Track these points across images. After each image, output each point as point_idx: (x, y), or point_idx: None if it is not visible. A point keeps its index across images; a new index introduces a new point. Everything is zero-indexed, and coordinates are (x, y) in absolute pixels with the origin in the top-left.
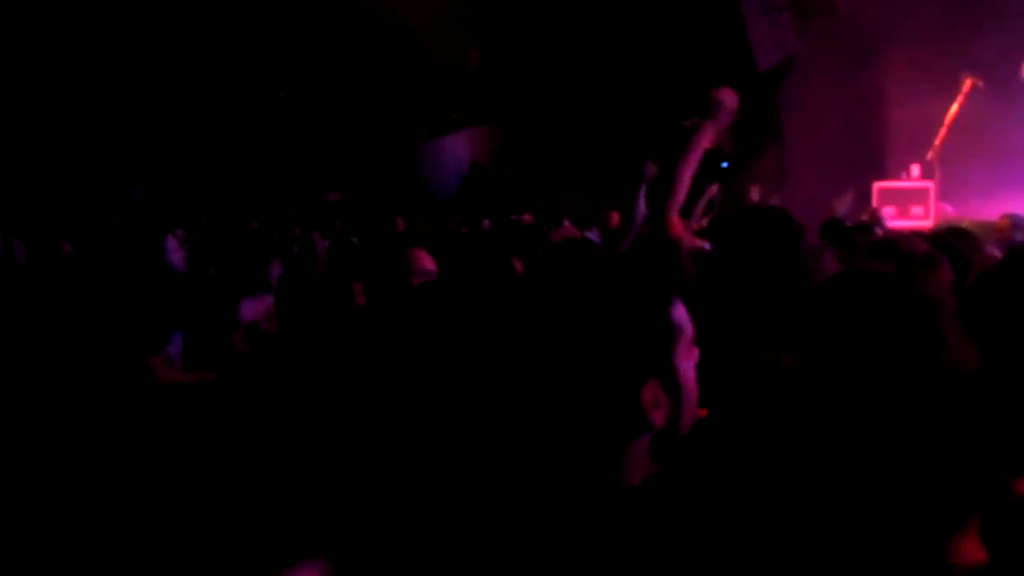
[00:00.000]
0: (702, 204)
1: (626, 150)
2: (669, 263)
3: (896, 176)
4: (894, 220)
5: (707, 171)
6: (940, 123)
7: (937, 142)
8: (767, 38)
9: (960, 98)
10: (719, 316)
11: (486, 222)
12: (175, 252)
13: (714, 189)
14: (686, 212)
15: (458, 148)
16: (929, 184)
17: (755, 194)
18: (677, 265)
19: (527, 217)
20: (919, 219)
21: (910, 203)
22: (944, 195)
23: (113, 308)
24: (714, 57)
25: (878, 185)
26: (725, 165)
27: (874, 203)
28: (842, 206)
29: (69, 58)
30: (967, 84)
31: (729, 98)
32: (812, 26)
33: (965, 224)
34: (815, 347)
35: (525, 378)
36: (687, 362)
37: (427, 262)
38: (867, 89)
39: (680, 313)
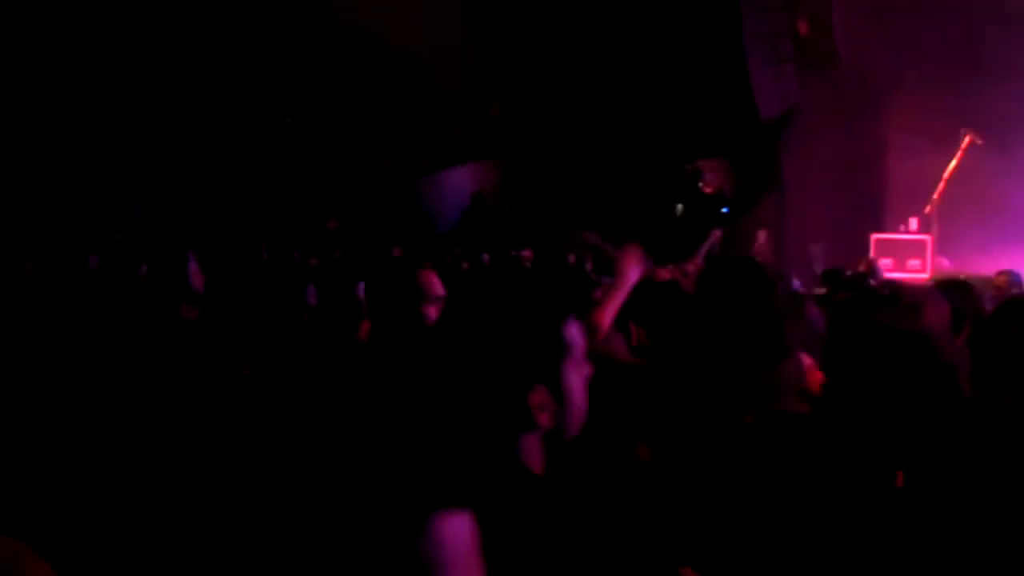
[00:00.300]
0: (704, 248)
1: (627, 191)
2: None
3: (894, 228)
4: (891, 272)
5: (709, 216)
6: (939, 177)
7: (935, 196)
8: (770, 88)
9: (959, 153)
10: (701, 367)
11: (485, 256)
12: (196, 275)
13: (716, 234)
14: (685, 255)
15: (460, 181)
16: (927, 237)
17: (761, 237)
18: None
19: (526, 253)
20: (916, 272)
21: (907, 256)
22: (941, 249)
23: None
24: (718, 105)
25: (876, 237)
26: (726, 210)
27: (871, 255)
28: (814, 259)
29: (71, 71)
30: (966, 140)
31: (633, 265)
32: (814, 78)
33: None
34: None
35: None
36: (576, 374)
37: (438, 287)
38: (867, 141)
39: (573, 331)
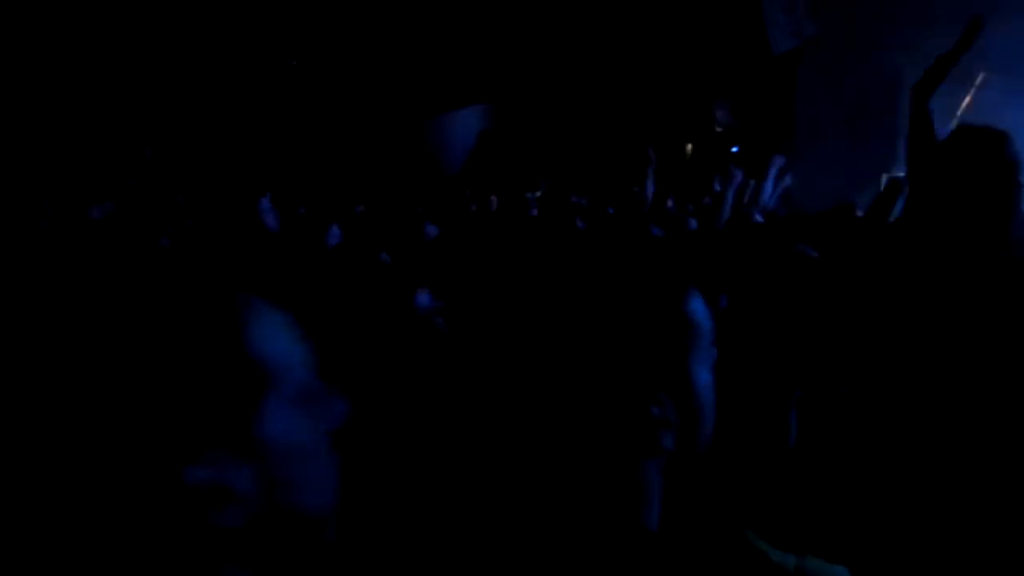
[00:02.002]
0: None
1: (639, 130)
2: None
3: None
4: None
5: (719, 154)
6: (952, 115)
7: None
8: (783, 22)
9: (972, 90)
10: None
11: (494, 199)
12: (268, 212)
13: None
14: (695, 194)
15: (467, 122)
16: None
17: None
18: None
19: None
20: None
21: None
22: None
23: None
24: (729, 41)
25: (889, 176)
26: (735, 149)
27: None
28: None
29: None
30: (980, 77)
31: None
32: (827, 11)
33: None
34: None
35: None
36: (704, 369)
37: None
38: (881, 77)
39: (696, 308)
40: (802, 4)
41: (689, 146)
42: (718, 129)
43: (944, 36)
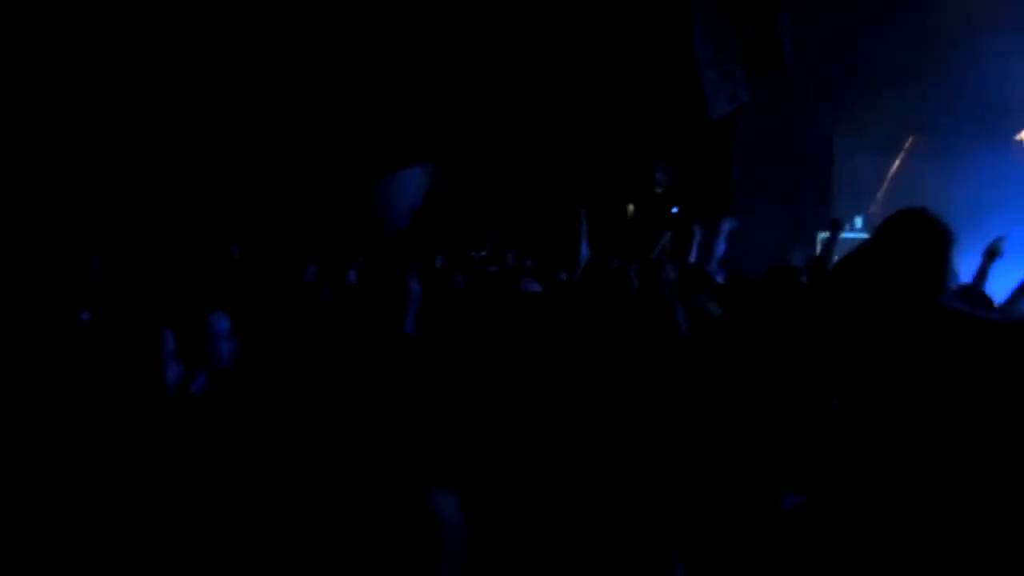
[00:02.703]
0: (657, 251)
1: (579, 190)
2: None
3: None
4: None
5: (660, 215)
6: (883, 177)
7: (879, 196)
8: (719, 88)
9: (902, 154)
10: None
11: (439, 258)
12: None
13: (667, 237)
14: (638, 254)
15: (413, 180)
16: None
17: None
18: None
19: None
20: None
21: None
22: None
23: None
24: (668, 105)
25: (822, 236)
26: (675, 210)
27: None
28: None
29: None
30: (910, 141)
31: None
32: (762, 79)
33: None
34: None
35: None
36: None
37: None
38: (813, 141)
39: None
40: (738, 71)
41: (631, 207)
42: (658, 190)
43: (872, 103)
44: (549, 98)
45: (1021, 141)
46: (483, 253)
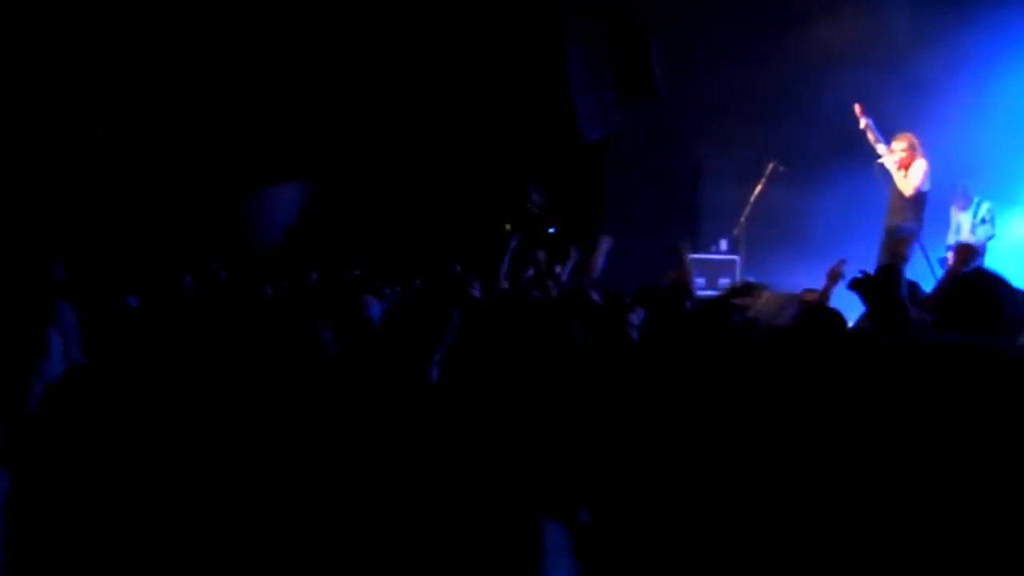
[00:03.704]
0: (532, 270)
1: (454, 212)
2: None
3: (706, 249)
4: (703, 290)
5: (536, 235)
6: (746, 201)
7: (742, 219)
8: (592, 113)
9: (764, 180)
10: None
11: (314, 275)
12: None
13: (540, 255)
14: (514, 273)
15: (286, 197)
16: (736, 258)
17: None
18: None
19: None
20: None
21: (718, 275)
22: (748, 269)
23: None
24: (543, 129)
25: (689, 257)
26: (552, 230)
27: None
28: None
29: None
30: (770, 167)
31: None
32: (634, 105)
33: (766, 295)
34: None
35: None
36: None
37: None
38: (682, 166)
39: None
40: (610, 96)
41: (508, 226)
42: (534, 210)
43: (742, 130)
44: (425, 120)
45: (880, 166)
46: (356, 272)
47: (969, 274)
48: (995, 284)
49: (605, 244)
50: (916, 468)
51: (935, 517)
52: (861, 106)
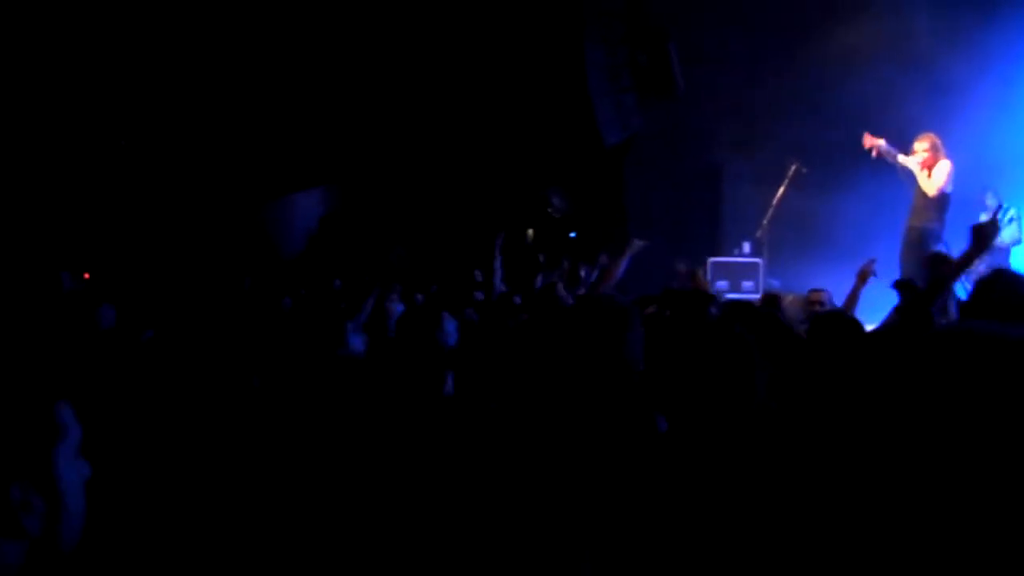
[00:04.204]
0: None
1: (475, 218)
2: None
3: (729, 252)
4: (727, 293)
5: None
6: (768, 204)
7: (765, 221)
8: (612, 116)
9: (786, 182)
10: None
11: (337, 282)
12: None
13: (566, 265)
14: (536, 279)
15: (308, 205)
16: (759, 260)
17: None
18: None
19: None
20: (749, 292)
21: (741, 278)
22: (771, 271)
23: None
24: (563, 133)
25: (712, 260)
26: (573, 235)
27: (708, 277)
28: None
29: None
30: (792, 169)
31: None
32: (654, 108)
33: (789, 298)
34: None
35: None
36: (69, 469)
37: None
38: (702, 168)
39: (65, 415)
40: (631, 100)
41: (530, 231)
42: (556, 215)
43: (763, 132)
44: (446, 126)
45: (903, 167)
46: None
47: (991, 274)
48: (1019, 282)
49: (636, 247)
50: (986, 457)
51: (1003, 504)
52: (869, 134)
